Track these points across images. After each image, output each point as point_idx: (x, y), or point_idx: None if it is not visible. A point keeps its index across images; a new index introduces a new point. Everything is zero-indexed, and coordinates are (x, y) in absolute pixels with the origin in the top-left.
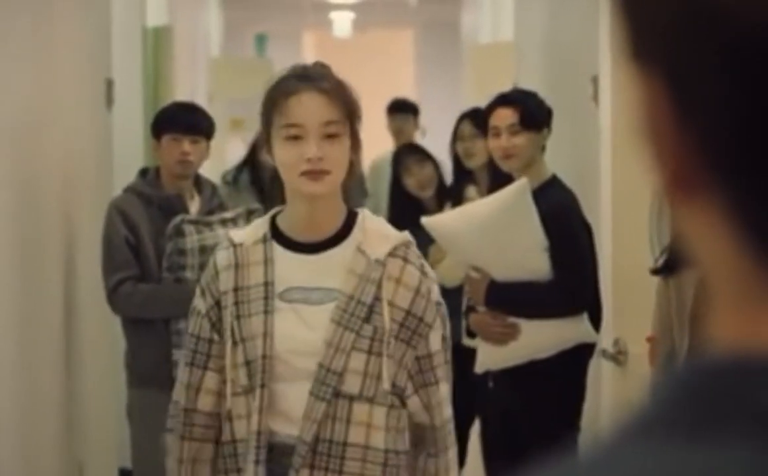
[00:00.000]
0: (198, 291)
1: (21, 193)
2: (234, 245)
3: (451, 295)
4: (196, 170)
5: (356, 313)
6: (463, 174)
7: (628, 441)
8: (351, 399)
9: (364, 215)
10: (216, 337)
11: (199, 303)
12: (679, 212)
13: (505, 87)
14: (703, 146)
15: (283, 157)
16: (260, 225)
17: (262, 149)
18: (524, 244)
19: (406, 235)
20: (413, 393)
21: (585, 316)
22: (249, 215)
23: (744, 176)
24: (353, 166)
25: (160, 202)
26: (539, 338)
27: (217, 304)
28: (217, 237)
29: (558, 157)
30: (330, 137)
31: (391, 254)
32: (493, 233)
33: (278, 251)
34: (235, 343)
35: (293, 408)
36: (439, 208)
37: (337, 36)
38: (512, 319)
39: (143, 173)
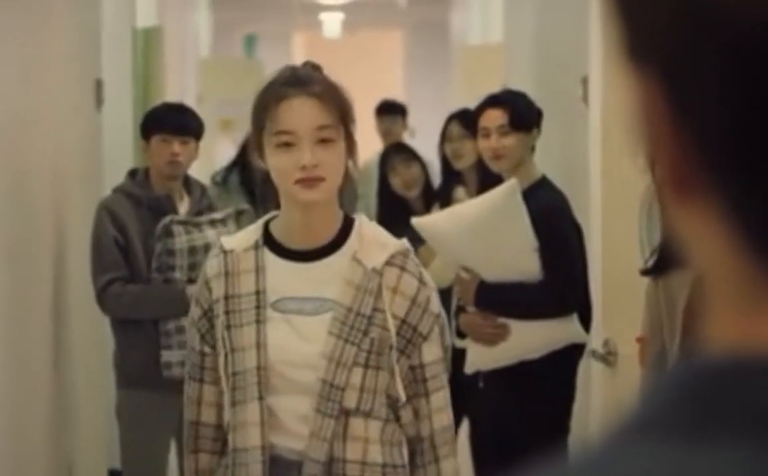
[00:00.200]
0: (193, 301)
1: (10, 193)
2: (225, 252)
3: (441, 296)
4: (186, 170)
5: (356, 326)
6: (451, 175)
7: (626, 441)
8: (347, 413)
9: (361, 221)
10: (207, 349)
11: (193, 312)
12: (676, 212)
13: (495, 88)
14: (701, 146)
15: (277, 164)
16: (253, 231)
17: (253, 152)
18: (514, 244)
19: (404, 243)
20: (405, 403)
21: (575, 317)
22: (238, 216)
23: (742, 176)
24: (349, 169)
25: (149, 202)
26: (529, 338)
27: (206, 314)
28: (207, 238)
29: (548, 158)
30: (324, 141)
31: (388, 262)
32: (483, 233)
33: (270, 258)
34: (226, 354)
35: (290, 421)
36: (426, 208)
37: (326, 37)
38: (502, 320)
39: (132, 173)
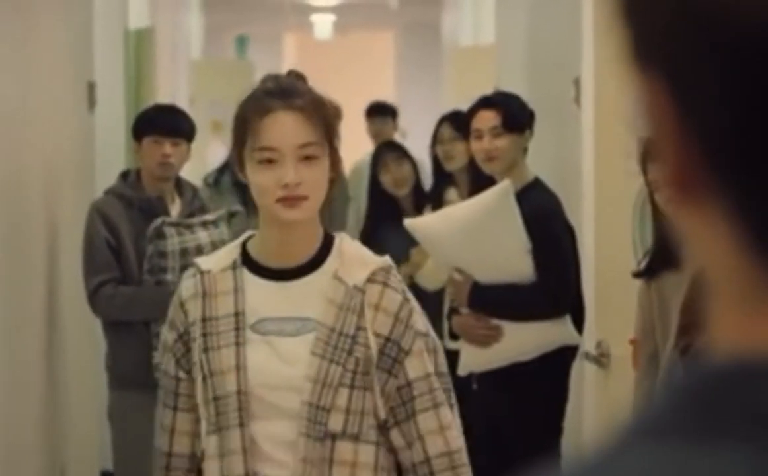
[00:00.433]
0: (166, 324)
1: (3, 195)
2: (201, 273)
3: (434, 297)
4: (177, 172)
5: (340, 345)
6: (443, 177)
7: (630, 444)
8: (334, 437)
9: (342, 238)
10: (182, 374)
11: (167, 336)
12: (680, 212)
13: (486, 89)
14: (705, 147)
15: (258, 181)
16: (230, 251)
17: (234, 165)
18: (507, 246)
19: (387, 260)
20: (393, 426)
21: (568, 318)
22: (230, 218)
23: (743, 176)
24: (333, 185)
25: (140, 204)
26: (522, 340)
27: (181, 337)
28: (199, 240)
29: (540, 159)
30: (307, 159)
31: (370, 279)
32: (476, 235)
33: (249, 278)
34: (204, 378)
35: (271, 448)
36: (415, 207)
37: (317, 38)
38: (495, 321)
39: (124, 175)
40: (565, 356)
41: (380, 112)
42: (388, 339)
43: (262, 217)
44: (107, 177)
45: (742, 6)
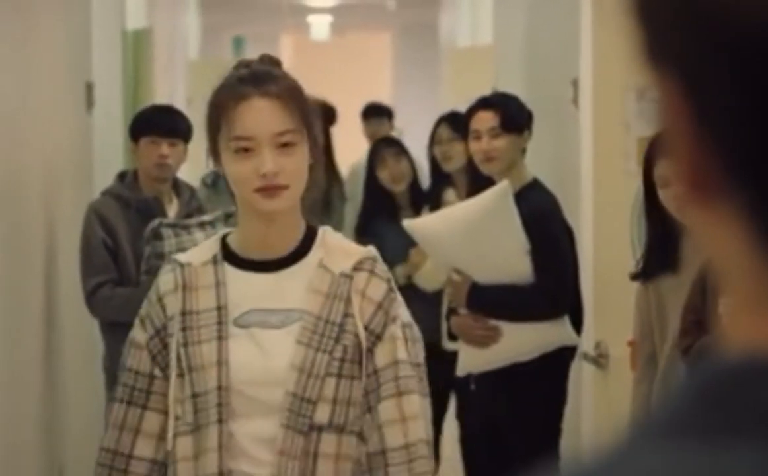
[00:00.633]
0: (137, 321)
1: (1, 195)
2: (181, 266)
3: (433, 298)
4: (174, 172)
5: (327, 333)
6: (441, 178)
7: (642, 443)
8: (320, 429)
9: (325, 231)
10: (157, 372)
11: (138, 334)
12: (694, 212)
13: (484, 90)
14: (719, 148)
15: (235, 172)
16: (209, 246)
17: (208, 156)
18: (506, 247)
19: (371, 249)
20: (366, 414)
21: (566, 319)
22: (228, 218)
23: (757, 177)
24: (313, 173)
25: (138, 205)
26: (521, 341)
27: (158, 334)
28: (196, 241)
29: (538, 160)
30: (285, 146)
31: (356, 267)
32: (474, 235)
33: (231, 272)
34: (181, 374)
35: (251, 446)
36: (412, 203)
37: (315, 39)
38: (494, 322)
39: (121, 176)
40: (563, 356)
41: (376, 114)
42: (366, 328)
43: (241, 208)
44: (105, 177)
45: (741, 6)
